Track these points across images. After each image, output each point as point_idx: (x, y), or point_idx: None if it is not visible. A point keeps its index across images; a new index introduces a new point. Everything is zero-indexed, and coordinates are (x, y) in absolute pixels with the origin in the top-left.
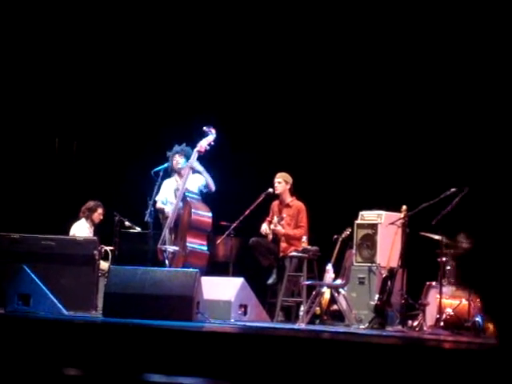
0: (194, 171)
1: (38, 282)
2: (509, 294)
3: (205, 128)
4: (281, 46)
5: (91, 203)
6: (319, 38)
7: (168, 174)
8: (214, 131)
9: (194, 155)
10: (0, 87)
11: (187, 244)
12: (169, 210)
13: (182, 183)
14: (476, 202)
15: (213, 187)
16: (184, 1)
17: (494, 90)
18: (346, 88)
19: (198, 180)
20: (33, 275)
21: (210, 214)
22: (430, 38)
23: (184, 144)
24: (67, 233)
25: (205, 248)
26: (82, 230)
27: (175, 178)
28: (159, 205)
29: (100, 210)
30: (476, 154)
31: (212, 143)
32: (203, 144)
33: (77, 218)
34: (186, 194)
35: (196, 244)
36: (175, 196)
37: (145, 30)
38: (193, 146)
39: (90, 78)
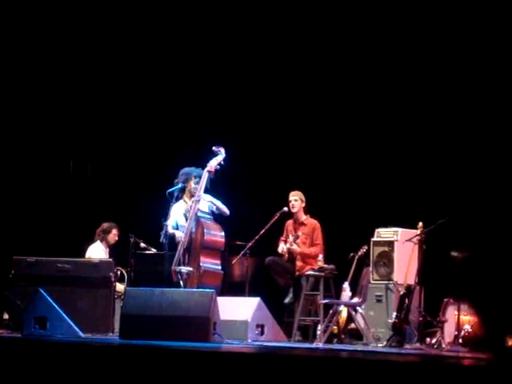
0: (205, 193)
1: (55, 305)
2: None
3: (214, 148)
4: (291, 63)
5: (106, 225)
6: (326, 55)
7: (178, 197)
8: (223, 151)
9: (204, 175)
10: (14, 110)
11: (201, 264)
12: (180, 234)
13: (195, 204)
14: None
15: (227, 211)
16: (186, 22)
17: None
18: (359, 106)
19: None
20: (49, 298)
21: (222, 234)
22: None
23: (195, 166)
24: (83, 255)
25: (219, 267)
26: (97, 252)
27: (184, 200)
28: (170, 230)
29: (115, 231)
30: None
31: (222, 163)
32: (213, 164)
33: (92, 241)
34: (198, 214)
35: (210, 263)
36: (185, 219)
37: (155, 52)
38: (204, 167)
39: (103, 100)
